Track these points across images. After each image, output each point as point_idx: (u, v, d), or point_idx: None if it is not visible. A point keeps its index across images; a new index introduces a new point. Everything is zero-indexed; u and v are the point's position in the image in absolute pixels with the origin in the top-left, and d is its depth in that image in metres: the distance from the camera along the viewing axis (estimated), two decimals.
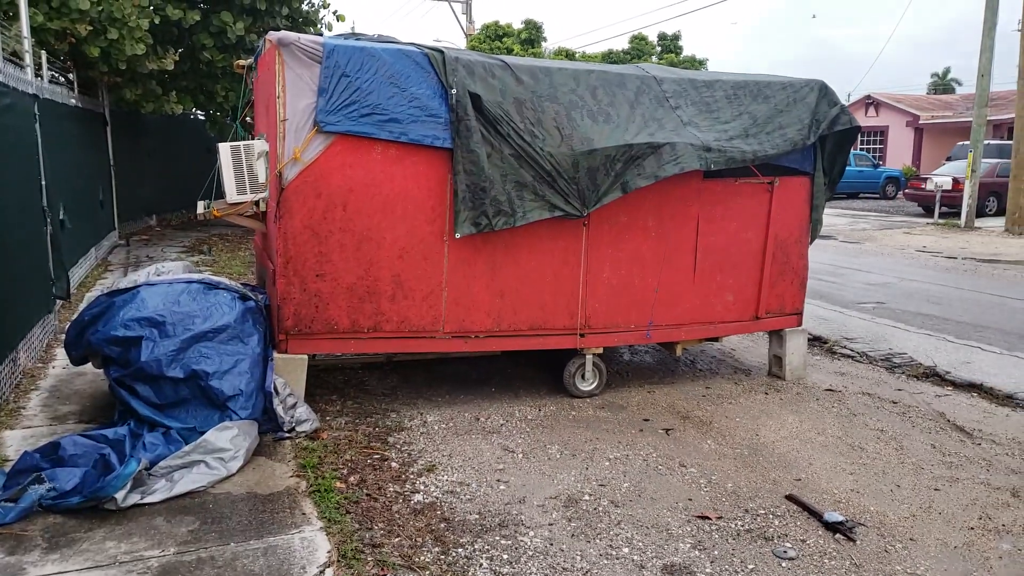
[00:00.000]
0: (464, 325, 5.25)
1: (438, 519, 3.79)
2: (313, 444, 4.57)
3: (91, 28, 10.07)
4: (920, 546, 3.73)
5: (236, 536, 3.50)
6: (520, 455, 4.63)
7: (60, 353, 6.13)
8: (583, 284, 5.46)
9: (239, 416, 4.41)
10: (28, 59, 7.09)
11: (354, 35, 5.23)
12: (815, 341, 7.50)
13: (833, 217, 20.17)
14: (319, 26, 14.52)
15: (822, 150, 6.08)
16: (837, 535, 3.80)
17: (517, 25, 33.30)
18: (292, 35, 4.66)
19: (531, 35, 32.77)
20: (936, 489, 4.37)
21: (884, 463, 4.72)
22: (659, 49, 33.32)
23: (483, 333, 5.31)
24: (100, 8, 10.15)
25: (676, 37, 33.65)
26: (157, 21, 11.03)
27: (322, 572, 3.23)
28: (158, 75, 12.44)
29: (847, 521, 3.89)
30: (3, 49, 6.20)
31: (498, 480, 4.28)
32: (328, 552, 3.38)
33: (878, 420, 5.47)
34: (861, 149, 32.03)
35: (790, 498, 4.19)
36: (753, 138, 5.59)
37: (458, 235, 5.00)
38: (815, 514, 3.99)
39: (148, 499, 3.78)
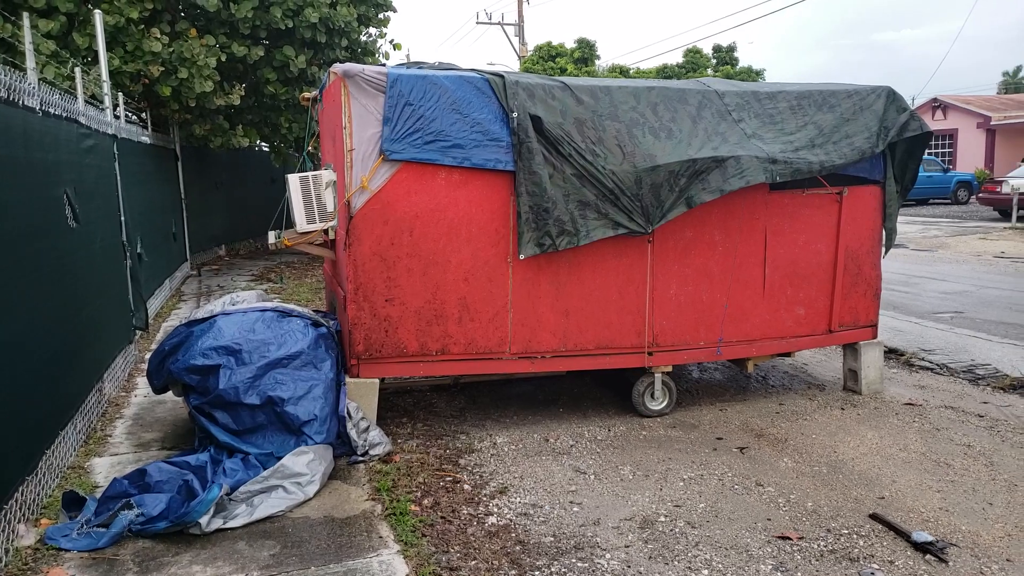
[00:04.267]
0: (530, 346, 5.26)
1: (513, 542, 3.78)
2: (386, 467, 4.63)
3: (163, 69, 10.55)
4: (1018, 567, 3.55)
5: (316, 560, 3.56)
6: (592, 476, 4.60)
7: (141, 382, 6.37)
8: (649, 301, 5.41)
9: (314, 441, 4.50)
10: (107, 101, 7.44)
11: (416, 63, 5.34)
12: (891, 354, 7.25)
13: (903, 224, 19.51)
14: (376, 56, 14.87)
15: (892, 157, 5.92)
16: (927, 556, 3.64)
17: (570, 44, 33.47)
18: (356, 67, 4.78)
19: (584, 54, 32.88)
20: None
21: (974, 480, 4.51)
22: (714, 62, 33.04)
23: (549, 353, 5.31)
24: (171, 50, 10.62)
25: (731, 49, 33.34)
26: (223, 59, 11.46)
27: None
28: (225, 110, 12.91)
29: (937, 541, 3.73)
30: (84, 92, 6.54)
31: (571, 502, 4.25)
32: (407, 575, 3.41)
33: (964, 435, 5.25)
34: (929, 154, 31.02)
35: (874, 517, 4.04)
36: (819, 148, 5.48)
37: (522, 256, 5.02)
38: (902, 534, 3.84)
39: (230, 524, 3.88)
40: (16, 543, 3.59)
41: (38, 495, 4.01)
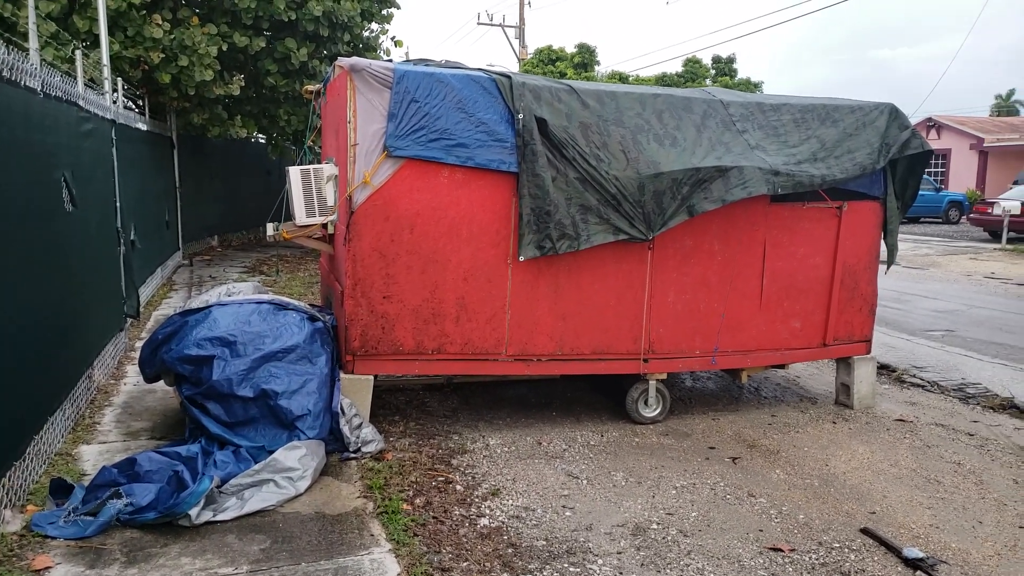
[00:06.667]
0: (526, 348, 5.24)
1: (505, 544, 3.76)
2: (378, 465, 4.60)
3: (163, 55, 10.48)
4: None
5: (306, 556, 3.52)
6: (584, 481, 4.58)
7: (131, 370, 6.31)
8: (647, 308, 5.40)
9: (307, 436, 4.47)
10: (107, 85, 7.39)
11: (422, 61, 5.31)
12: (882, 369, 7.28)
13: None
14: (378, 52, 14.82)
15: (893, 174, 5.94)
16: (918, 572, 3.65)
17: (570, 49, 33.51)
18: (364, 61, 4.75)
19: (584, 59, 32.92)
20: (1021, 527, 4.17)
21: (964, 498, 4.53)
22: (713, 72, 33.13)
23: (545, 356, 5.29)
24: (172, 36, 10.56)
25: (731, 60, 33.45)
26: (224, 48, 11.40)
27: None
28: (224, 100, 12.84)
29: (928, 558, 3.74)
30: (83, 76, 6.48)
31: (563, 506, 4.23)
32: (398, 575, 3.38)
33: (954, 452, 5.27)
34: None
35: (865, 531, 4.05)
36: (821, 162, 5.49)
37: (522, 258, 5.01)
38: (893, 549, 3.84)
39: (220, 516, 3.84)
40: (2, 529, 3.54)
41: (25, 481, 3.96)
